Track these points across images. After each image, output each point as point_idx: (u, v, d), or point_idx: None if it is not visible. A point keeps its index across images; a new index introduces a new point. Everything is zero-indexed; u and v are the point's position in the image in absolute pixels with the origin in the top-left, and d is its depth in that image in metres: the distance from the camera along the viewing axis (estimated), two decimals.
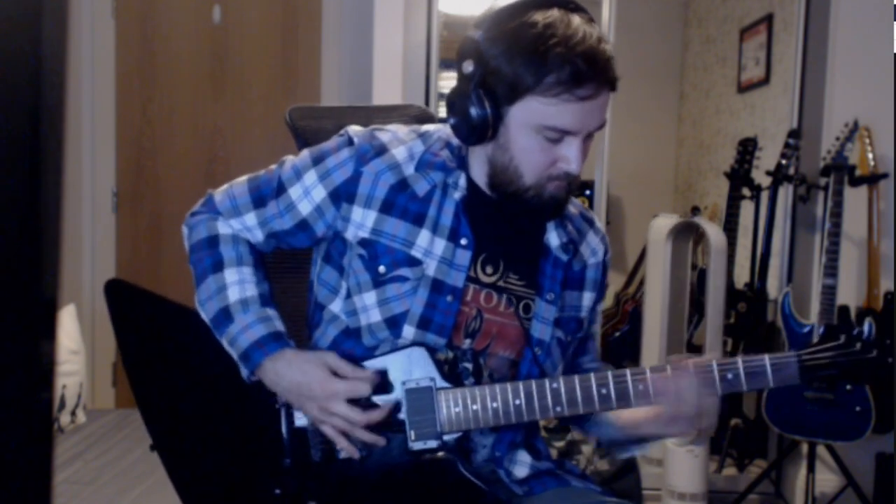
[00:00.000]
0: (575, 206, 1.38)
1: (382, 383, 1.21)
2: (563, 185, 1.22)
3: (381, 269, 1.23)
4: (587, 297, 1.36)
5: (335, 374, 1.19)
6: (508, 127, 1.19)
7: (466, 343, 1.25)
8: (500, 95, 1.17)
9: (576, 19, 1.15)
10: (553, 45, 1.13)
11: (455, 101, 1.20)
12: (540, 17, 1.15)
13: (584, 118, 1.16)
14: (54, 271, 0.49)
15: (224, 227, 1.29)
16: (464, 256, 1.24)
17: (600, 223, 1.42)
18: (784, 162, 2.93)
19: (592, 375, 1.20)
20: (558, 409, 1.19)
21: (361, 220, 1.24)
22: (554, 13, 1.15)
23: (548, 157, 1.19)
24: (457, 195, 1.25)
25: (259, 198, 1.29)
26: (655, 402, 1.21)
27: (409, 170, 1.25)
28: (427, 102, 3.03)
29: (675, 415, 1.21)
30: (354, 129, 1.29)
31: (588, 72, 1.13)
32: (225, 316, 1.23)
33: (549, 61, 1.13)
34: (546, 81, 1.13)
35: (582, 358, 1.41)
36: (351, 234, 1.25)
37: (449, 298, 1.23)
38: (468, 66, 1.18)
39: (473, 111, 1.18)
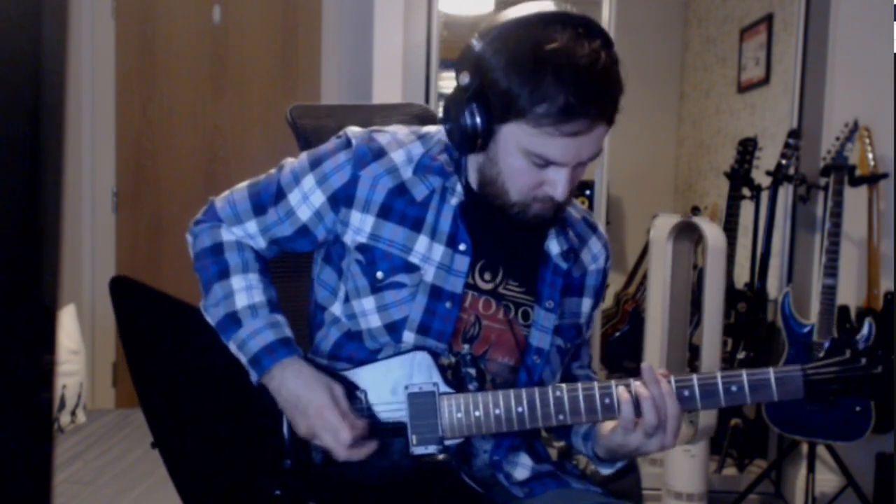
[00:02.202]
0: (578, 210, 1.36)
1: (372, 432, 1.19)
2: (549, 206, 1.19)
3: (379, 274, 1.22)
4: (586, 304, 1.35)
5: (335, 403, 1.17)
6: (498, 143, 1.17)
7: (465, 348, 1.24)
8: (493, 111, 1.14)
9: (584, 47, 1.09)
10: (550, 74, 1.08)
11: (450, 109, 1.19)
12: (545, 39, 1.09)
13: (572, 151, 1.13)
14: (54, 272, 0.49)
15: (228, 235, 1.29)
16: (462, 262, 1.23)
17: (603, 229, 1.40)
18: (784, 162, 2.93)
19: (596, 384, 1.17)
20: (560, 417, 1.17)
21: (359, 225, 1.23)
22: (561, 37, 1.10)
23: (534, 179, 1.17)
24: (454, 200, 1.24)
25: (259, 205, 1.28)
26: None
27: (408, 173, 1.24)
28: (427, 102, 3.02)
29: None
30: (353, 131, 1.27)
31: (579, 109, 1.08)
32: (233, 321, 1.22)
33: (542, 90, 1.09)
34: (536, 111, 1.10)
35: (572, 364, 1.39)
36: (349, 238, 1.24)
37: (448, 305, 1.22)
38: (465, 77, 1.16)
39: (465, 123, 1.16)
